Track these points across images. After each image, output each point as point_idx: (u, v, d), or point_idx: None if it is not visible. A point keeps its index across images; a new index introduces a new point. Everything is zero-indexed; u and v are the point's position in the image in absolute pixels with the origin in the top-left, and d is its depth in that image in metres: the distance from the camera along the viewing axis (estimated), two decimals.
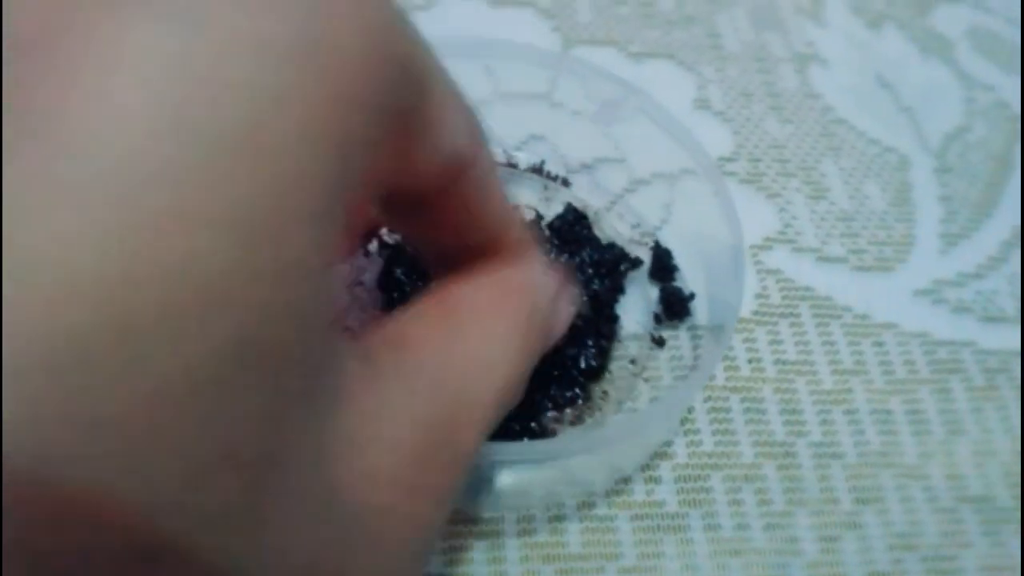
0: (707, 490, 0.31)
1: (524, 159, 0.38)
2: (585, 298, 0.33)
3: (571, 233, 0.35)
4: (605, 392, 0.32)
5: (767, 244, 0.37)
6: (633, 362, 0.33)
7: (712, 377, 0.33)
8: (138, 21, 0.10)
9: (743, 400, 0.33)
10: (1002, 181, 0.41)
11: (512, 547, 0.29)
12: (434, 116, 0.16)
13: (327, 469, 0.13)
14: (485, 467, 0.29)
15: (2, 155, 0.09)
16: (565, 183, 0.38)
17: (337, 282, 0.27)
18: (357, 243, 0.32)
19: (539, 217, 0.36)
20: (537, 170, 0.38)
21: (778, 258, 0.37)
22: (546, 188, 0.37)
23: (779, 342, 0.34)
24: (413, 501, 0.16)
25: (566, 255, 0.34)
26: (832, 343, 0.35)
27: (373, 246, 0.34)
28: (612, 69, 0.36)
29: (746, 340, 0.34)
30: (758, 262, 0.37)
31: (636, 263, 0.35)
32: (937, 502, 0.32)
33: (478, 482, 0.29)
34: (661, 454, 0.31)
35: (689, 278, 0.35)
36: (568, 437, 0.30)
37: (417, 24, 0.16)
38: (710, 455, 0.31)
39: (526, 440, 0.29)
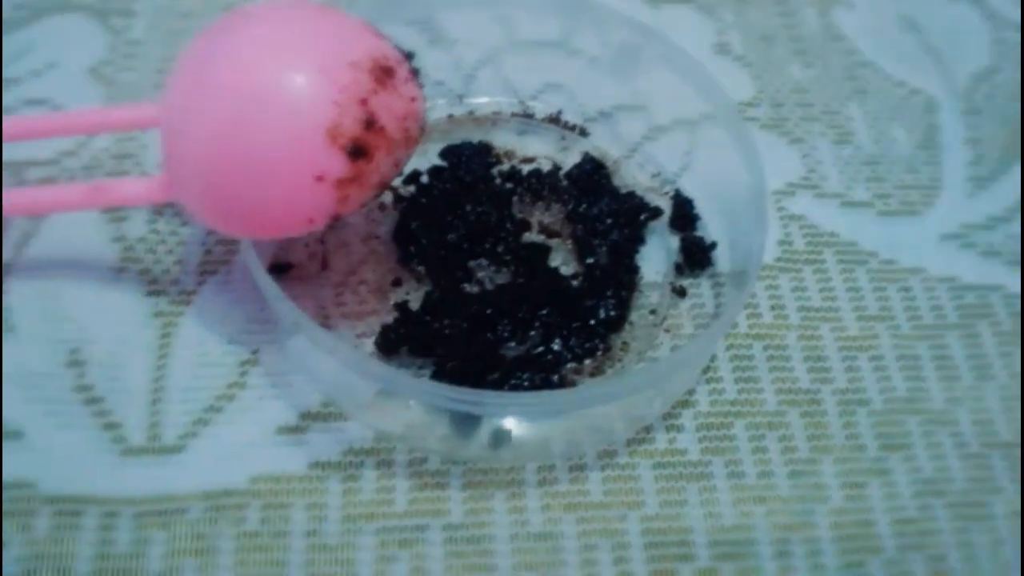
0: (730, 438, 0.30)
1: (541, 109, 0.37)
2: (604, 248, 0.33)
3: (589, 183, 0.34)
4: (625, 343, 0.31)
5: (790, 190, 0.37)
6: (654, 312, 0.32)
7: (734, 325, 0.33)
8: None
9: (766, 348, 0.32)
10: None
11: (533, 496, 0.28)
12: None
13: None
14: (504, 419, 0.29)
15: None
16: (583, 132, 0.37)
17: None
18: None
19: (556, 168, 0.35)
20: (554, 120, 0.37)
21: (802, 204, 0.36)
22: (563, 138, 0.37)
23: (803, 288, 0.34)
24: None
25: (584, 205, 0.34)
26: (857, 289, 0.34)
27: (388, 199, 0.34)
28: (629, 15, 0.35)
29: (769, 287, 0.34)
30: (781, 208, 0.36)
31: (656, 212, 0.34)
32: (965, 448, 0.31)
33: (497, 433, 0.29)
34: (683, 402, 0.31)
35: (711, 226, 0.34)
36: (587, 388, 0.30)
37: None
38: (733, 403, 0.31)
39: (545, 391, 0.29)
